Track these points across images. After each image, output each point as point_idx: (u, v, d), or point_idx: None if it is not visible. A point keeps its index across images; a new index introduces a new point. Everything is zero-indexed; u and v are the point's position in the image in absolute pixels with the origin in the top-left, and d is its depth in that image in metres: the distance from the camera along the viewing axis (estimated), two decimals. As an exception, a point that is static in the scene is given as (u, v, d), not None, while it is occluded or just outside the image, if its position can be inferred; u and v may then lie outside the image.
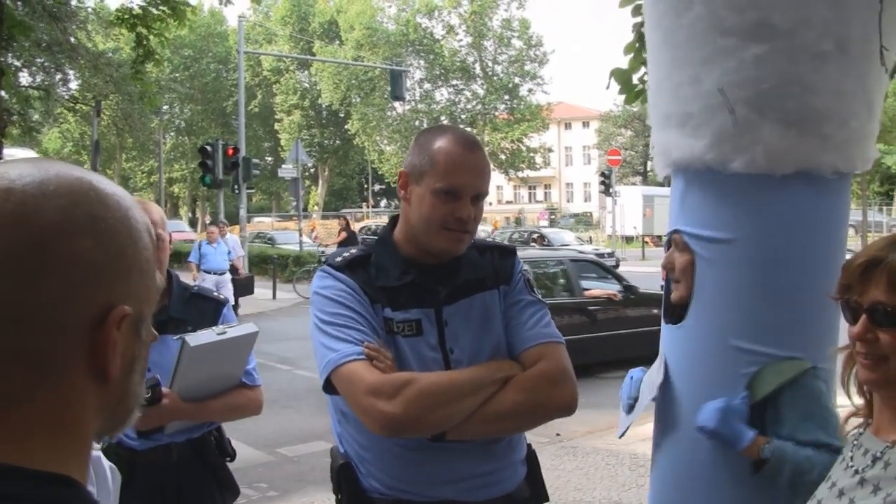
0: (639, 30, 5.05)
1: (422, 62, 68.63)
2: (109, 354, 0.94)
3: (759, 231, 2.66)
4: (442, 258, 2.54)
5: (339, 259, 2.59)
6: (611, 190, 36.94)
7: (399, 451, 2.46)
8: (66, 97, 29.93)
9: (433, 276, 2.53)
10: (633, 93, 5.33)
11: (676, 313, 2.85)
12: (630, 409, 2.97)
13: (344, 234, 18.86)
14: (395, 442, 2.44)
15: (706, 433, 2.59)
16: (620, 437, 3.13)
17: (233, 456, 3.46)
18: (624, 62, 5.31)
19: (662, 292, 3.08)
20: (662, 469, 2.93)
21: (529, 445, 2.76)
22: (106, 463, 1.98)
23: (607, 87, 5.39)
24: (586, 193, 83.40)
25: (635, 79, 5.27)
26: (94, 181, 0.98)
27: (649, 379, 2.92)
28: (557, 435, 9.16)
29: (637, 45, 5.12)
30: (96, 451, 1.97)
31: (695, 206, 2.77)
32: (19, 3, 20.08)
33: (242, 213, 26.03)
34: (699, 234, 2.73)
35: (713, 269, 2.70)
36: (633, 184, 67.25)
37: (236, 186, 24.02)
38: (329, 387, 2.45)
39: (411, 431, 2.35)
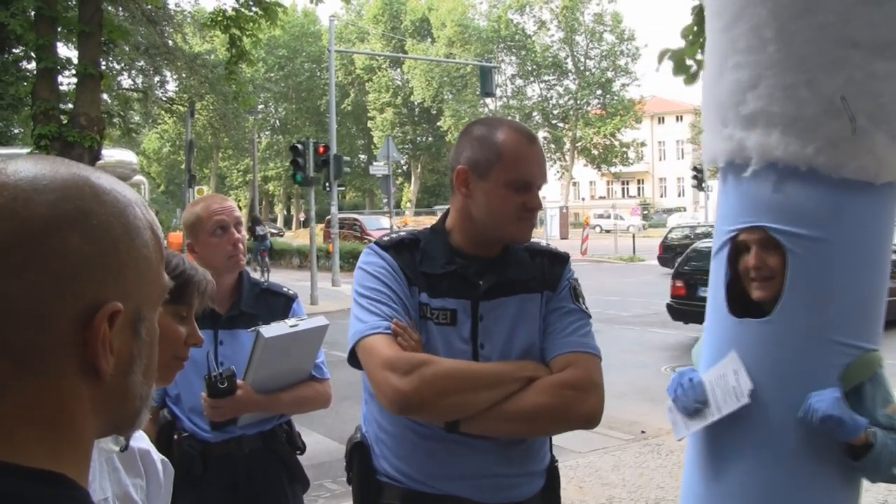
0: (698, 13, 5.03)
1: (513, 58, 68.55)
2: (99, 351, 0.93)
3: (851, 231, 2.73)
4: (494, 251, 2.57)
5: (386, 239, 2.63)
6: (703, 184, 36.29)
7: (415, 438, 2.48)
8: (164, 99, 30.69)
9: (477, 269, 2.54)
10: (690, 74, 5.29)
11: (752, 310, 2.84)
12: (696, 412, 2.90)
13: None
14: (412, 429, 2.47)
15: (829, 422, 2.59)
16: (680, 440, 3.07)
17: (303, 449, 3.51)
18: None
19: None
20: (744, 467, 2.84)
21: (553, 460, 2.72)
22: (157, 456, 2.02)
23: (657, 70, 5.37)
24: (680, 188, 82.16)
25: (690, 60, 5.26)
26: (91, 177, 0.97)
27: (724, 382, 2.83)
28: (642, 433, 9.07)
29: (696, 28, 5.09)
30: (146, 445, 2.02)
31: (787, 204, 2.76)
32: (119, 8, 20.69)
33: (334, 210, 26.30)
34: (795, 231, 2.73)
35: (808, 266, 2.72)
36: (729, 178, 65.83)
37: (327, 184, 24.29)
38: (353, 360, 2.49)
39: (420, 412, 2.36)
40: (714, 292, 2.99)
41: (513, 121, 2.68)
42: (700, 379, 2.90)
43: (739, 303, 2.88)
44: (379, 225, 36.67)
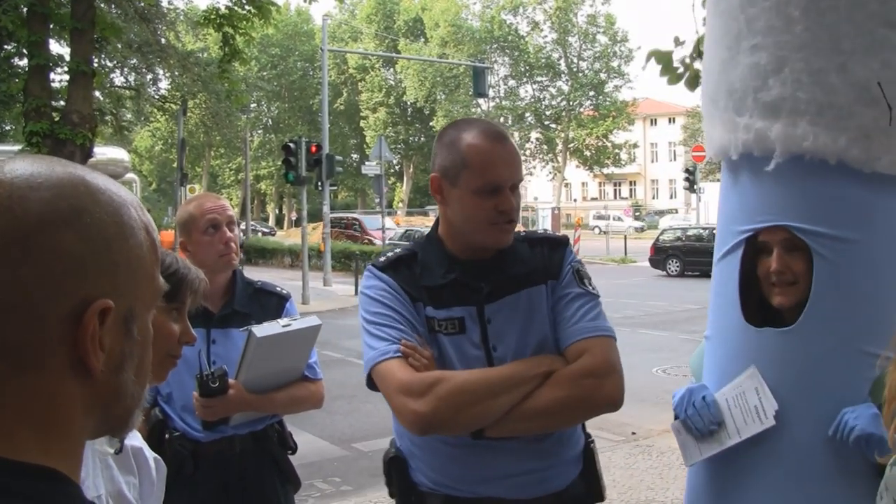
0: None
1: (506, 59, 68.59)
2: (89, 347, 0.93)
3: (882, 232, 2.53)
4: (490, 252, 2.54)
5: (382, 259, 2.62)
6: (695, 186, 36.32)
7: (445, 448, 2.48)
8: (156, 97, 30.60)
9: (477, 273, 2.53)
10: (675, 74, 5.28)
11: (767, 318, 2.62)
12: (710, 435, 2.64)
13: None
14: (440, 439, 2.46)
15: (868, 441, 2.33)
16: (691, 465, 2.79)
17: (294, 449, 3.51)
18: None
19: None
20: (766, 494, 2.60)
21: (589, 441, 2.71)
22: (149, 454, 2.03)
23: (643, 68, 5.39)
24: (672, 190, 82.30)
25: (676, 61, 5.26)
26: (86, 177, 0.98)
27: (743, 401, 2.58)
28: (633, 434, 9.10)
29: None
30: (139, 442, 2.02)
31: (813, 201, 2.53)
32: (112, 5, 20.64)
33: (326, 209, 26.29)
34: (822, 231, 2.49)
35: (836, 269, 2.49)
36: (719, 180, 66.06)
37: (319, 183, 24.28)
38: (372, 384, 2.49)
39: (442, 430, 2.37)
40: (722, 299, 2.74)
41: (482, 121, 2.65)
42: (714, 397, 2.66)
43: (751, 310, 2.64)
44: (378, 225, 36.36)
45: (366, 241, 38.18)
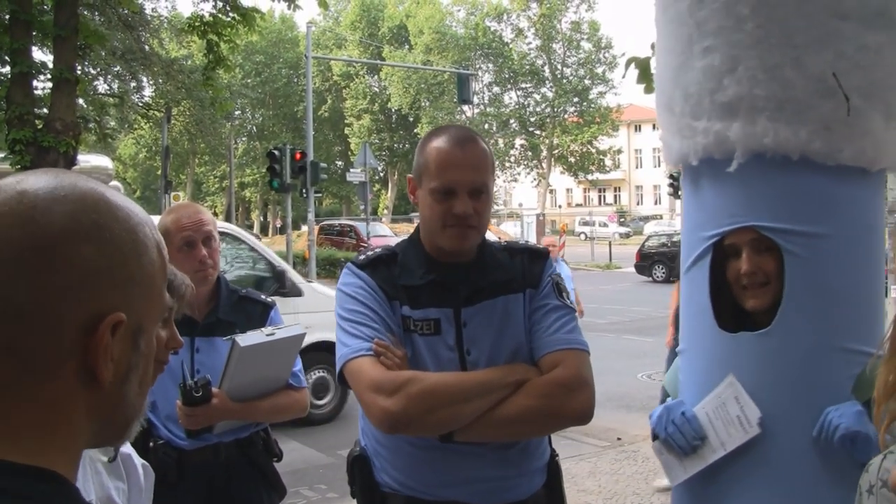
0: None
1: (491, 65, 68.57)
2: (100, 358, 0.97)
3: (850, 225, 2.52)
4: (457, 256, 2.56)
5: (362, 257, 2.65)
6: (679, 192, 36.35)
7: (411, 449, 2.49)
8: (140, 104, 30.53)
9: (456, 276, 2.55)
10: (652, 84, 5.31)
11: (741, 323, 2.58)
12: (693, 450, 2.58)
13: None
14: (407, 440, 2.48)
15: (854, 440, 2.29)
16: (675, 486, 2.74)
17: (280, 456, 3.52)
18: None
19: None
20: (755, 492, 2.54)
21: (554, 454, 2.74)
22: (138, 460, 2.03)
23: (623, 76, 5.41)
24: (656, 196, 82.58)
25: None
26: (105, 193, 1.03)
27: (724, 412, 2.52)
28: (618, 439, 9.11)
29: None
30: (127, 449, 2.02)
31: (778, 198, 2.51)
32: (95, 13, 20.57)
33: (310, 216, 26.26)
34: (790, 228, 2.48)
35: (808, 266, 2.47)
36: (704, 186, 66.18)
37: (304, 190, 24.25)
38: (344, 381, 2.50)
39: (410, 429, 2.37)
40: (694, 308, 2.69)
41: (458, 126, 2.68)
42: (693, 412, 2.61)
43: (723, 317, 2.59)
44: (376, 231, 35.73)
45: (361, 249, 37.74)
